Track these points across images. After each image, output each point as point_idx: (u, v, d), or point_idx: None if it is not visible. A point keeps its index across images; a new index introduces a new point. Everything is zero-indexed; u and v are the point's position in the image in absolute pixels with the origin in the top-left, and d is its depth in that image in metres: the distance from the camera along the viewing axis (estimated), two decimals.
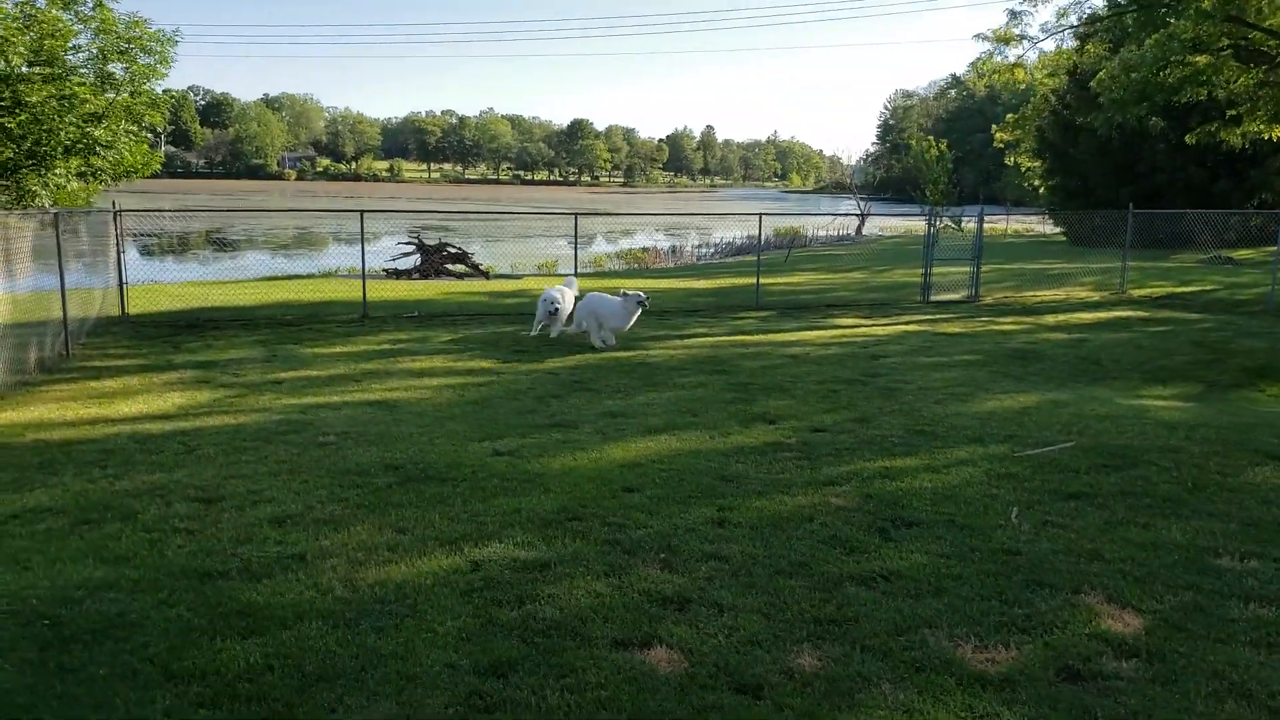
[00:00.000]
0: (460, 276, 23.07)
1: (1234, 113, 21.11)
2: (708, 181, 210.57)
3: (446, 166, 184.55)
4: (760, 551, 4.60)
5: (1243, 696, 3.29)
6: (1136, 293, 18.22)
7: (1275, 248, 17.39)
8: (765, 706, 3.17)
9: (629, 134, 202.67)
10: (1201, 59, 19.16)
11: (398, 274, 22.69)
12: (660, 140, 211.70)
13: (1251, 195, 31.28)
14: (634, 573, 4.31)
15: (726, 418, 7.65)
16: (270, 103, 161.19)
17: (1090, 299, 17.77)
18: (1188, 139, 22.37)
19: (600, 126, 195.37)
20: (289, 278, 21.84)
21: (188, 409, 8.13)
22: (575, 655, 3.53)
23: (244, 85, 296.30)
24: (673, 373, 9.85)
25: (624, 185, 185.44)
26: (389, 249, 24.59)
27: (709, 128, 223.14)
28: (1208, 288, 18.91)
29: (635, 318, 11.66)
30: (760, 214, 17.78)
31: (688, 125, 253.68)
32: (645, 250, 33.60)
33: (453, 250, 24.17)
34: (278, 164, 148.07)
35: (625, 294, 11.61)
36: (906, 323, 14.44)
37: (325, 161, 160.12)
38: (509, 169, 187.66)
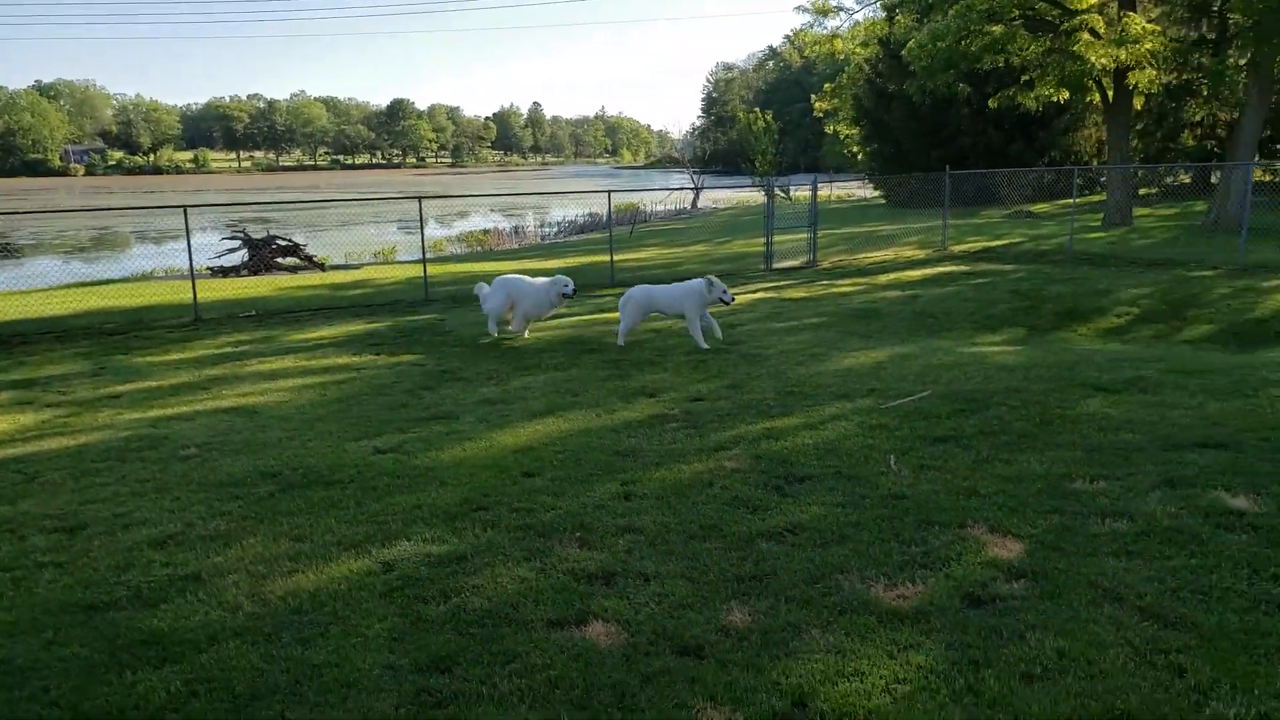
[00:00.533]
0: (293, 270, 22.03)
1: (1027, 78, 22.99)
2: (539, 159, 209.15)
3: (258, 154, 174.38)
4: (671, 519, 4.73)
5: (1116, 600, 3.70)
6: (956, 248, 19.64)
7: (1069, 201, 19.17)
8: (710, 664, 3.30)
9: (453, 113, 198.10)
10: (997, 28, 20.76)
11: (224, 272, 21.40)
12: (487, 118, 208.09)
13: (1043, 154, 34.26)
14: (554, 554, 4.34)
15: (607, 395, 7.74)
16: (44, 90, 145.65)
17: (916, 257, 19.01)
18: (990, 103, 24.18)
19: (423, 106, 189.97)
20: (101, 283, 20.13)
21: (13, 434, 7.42)
22: (515, 641, 3.53)
23: (6, 72, 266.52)
24: (542, 355, 9.84)
25: (452, 166, 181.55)
26: (207, 245, 23.09)
27: (536, 105, 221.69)
28: (1016, 240, 20.61)
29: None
30: (609, 190, 17.91)
31: (515, 103, 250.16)
32: (487, 232, 33.12)
33: (283, 243, 23.03)
34: (61, 158, 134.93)
35: (712, 281, 9.84)
36: (754, 291, 14.98)
37: (118, 154, 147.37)
38: (327, 154, 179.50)
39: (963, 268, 16.80)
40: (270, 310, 14.45)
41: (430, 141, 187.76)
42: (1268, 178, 27.72)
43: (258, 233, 23.83)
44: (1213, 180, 25.73)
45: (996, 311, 12.34)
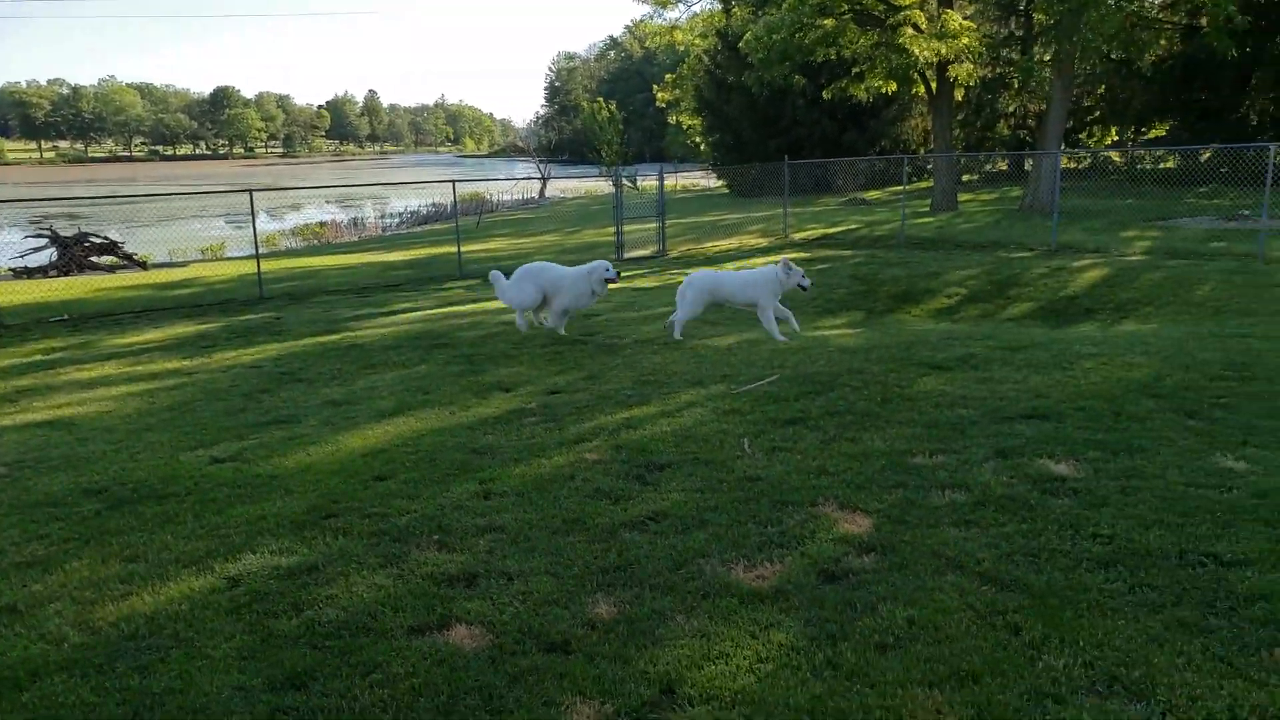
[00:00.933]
0: (111, 270, 20.45)
1: (858, 70, 24.09)
2: (377, 149, 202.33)
3: (63, 144, 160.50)
4: (533, 516, 4.67)
5: (958, 568, 3.93)
6: (797, 236, 20.37)
7: (900, 188, 20.25)
8: (578, 659, 3.28)
9: (284, 101, 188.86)
10: (829, 22, 21.64)
11: (29, 273, 19.62)
12: (320, 107, 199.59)
13: (874, 143, 35.99)
14: (411, 559, 4.20)
15: (460, 391, 7.57)
16: None
17: (760, 245, 19.61)
18: (824, 94, 25.18)
19: (249, 94, 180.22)
20: None
21: None
22: (374, 651, 3.40)
23: None
24: (389, 352, 9.52)
25: (284, 156, 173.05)
26: (6, 244, 21.10)
27: (372, 92, 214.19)
28: (852, 227, 21.57)
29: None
30: (454, 180, 17.51)
31: (349, 91, 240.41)
32: (323, 225, 31.75)
33: (97, 241, 21.33)
34: None
35: (790, 267, 9.42)
36: None
37: None
38: (144, 144, 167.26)
39: (804, 254, 17.44)
40: (86, 313, 13.36)
41: (259, 131, 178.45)
42: (1073, 165, 30.24)
43: (67, 230, 21.95)
44: (1026, 167, 27.82)
45: (837, 296, 12.89)
